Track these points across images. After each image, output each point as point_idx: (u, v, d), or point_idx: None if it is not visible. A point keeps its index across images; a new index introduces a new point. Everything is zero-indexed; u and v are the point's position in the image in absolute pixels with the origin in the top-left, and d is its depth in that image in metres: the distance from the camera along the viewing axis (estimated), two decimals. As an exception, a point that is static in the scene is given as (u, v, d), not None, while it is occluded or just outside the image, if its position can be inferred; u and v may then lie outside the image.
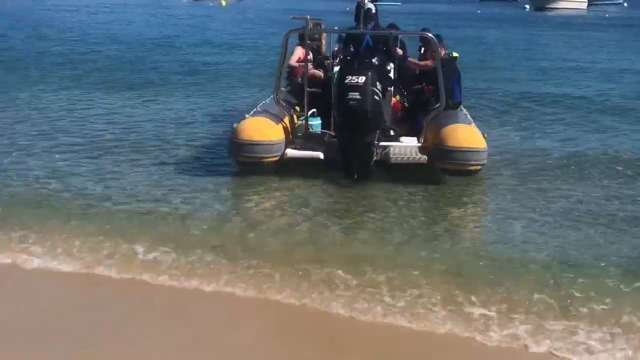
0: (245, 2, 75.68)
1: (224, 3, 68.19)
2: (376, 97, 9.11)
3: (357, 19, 10.36)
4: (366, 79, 9.00)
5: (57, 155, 10.53)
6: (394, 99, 10.85)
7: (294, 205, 8.54)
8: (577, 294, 6.24)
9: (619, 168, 10.44)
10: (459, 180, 9.52)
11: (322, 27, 11.48)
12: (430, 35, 10.27)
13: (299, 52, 10.96)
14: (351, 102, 8.97)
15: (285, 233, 7.65)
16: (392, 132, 10.09)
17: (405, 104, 11.29)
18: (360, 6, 10.29)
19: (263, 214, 8.31)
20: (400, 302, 6.11)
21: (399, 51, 11.52)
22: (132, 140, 11.62)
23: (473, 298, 6.16)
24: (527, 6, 75.25)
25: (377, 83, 9.19)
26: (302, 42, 11.01)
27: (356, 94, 8.96)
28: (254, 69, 21.05)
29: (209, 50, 26.63)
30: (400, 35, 11.17)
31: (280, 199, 8.85)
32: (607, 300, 6.13)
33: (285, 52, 10.08)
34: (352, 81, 9.01)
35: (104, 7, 54.69)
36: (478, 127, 9.90)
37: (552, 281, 6.48)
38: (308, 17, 10.08)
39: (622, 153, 11.31)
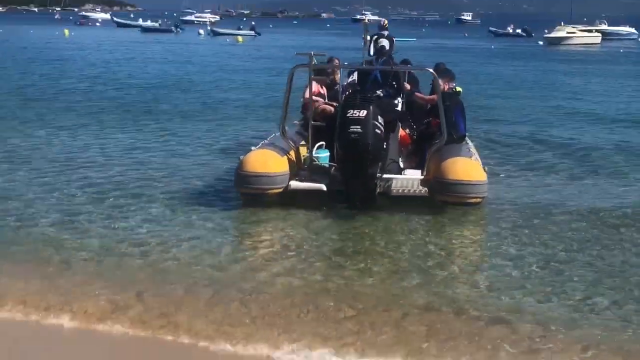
0: (260, 38, 77.29)
1: (240, 39, 69.54)
2: (377, 131, 9.37)
3: (369, 52, 10.77)
4: (367, 112, 9.27)
5: (64, 191, 10.73)
6: (402, 132, 11.10)
7: (292, 248, 8.46)
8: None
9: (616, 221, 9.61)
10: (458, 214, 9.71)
11: (337, 62, 11.85)
12: (430, 70, 10.60)
13: (313, 86, 11.32)
14: (352, 135, 9.24)
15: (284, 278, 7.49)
16: (394, 165, 10.38)
17: (414, 137, 11.57)
18: (375, 40, 10.75)
19: (262, 259, 8.09)
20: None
21: (407, 85, 11.84)
22: (142, 175, 11.92)
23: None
24: (541, 42, 75.72)
25: (379, 117, 9.46)
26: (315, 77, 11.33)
27: (357, 127, 9.22)
28: (268, 104, 21.49)
29: (225, 86, 27.26)
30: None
31: (281, 240, 8.85)
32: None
33: (290, 87, 10.40)
34: (354, 115, 9.29)
35: (122, 44, 55.87)
36: (483, 160, 10.11)
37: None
38: (312, 52, 10.44)
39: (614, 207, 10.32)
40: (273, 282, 7.33)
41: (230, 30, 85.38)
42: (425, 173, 10.16)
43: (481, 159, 10.80)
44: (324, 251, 8.37)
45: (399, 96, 11.14)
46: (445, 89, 10.89)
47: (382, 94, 10.32)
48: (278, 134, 10.90)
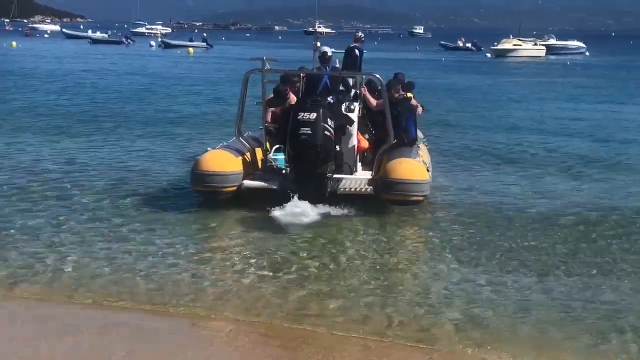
0: (212, 50, 78.02)
1: (191, 51, 69.97)
2: (327, 133, 9.93)
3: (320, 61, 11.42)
4: (317, 115, 9.85)
5: (13, 198, 10.92)
6: (360, 137, 11.58)
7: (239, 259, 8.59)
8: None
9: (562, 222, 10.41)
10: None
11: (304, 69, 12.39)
12: (377, 76, 11.19)
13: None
14: (302, 137, 9.83)
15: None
16: (345, 166, 10.92)
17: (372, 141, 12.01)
18: (322, 51, 11.45)
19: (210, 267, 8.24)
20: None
21: (364, 91, 12.18)
22: (94, 179, 12.30)
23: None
24: (489, 54, 77.48)
25: (329, 120, 10.01)
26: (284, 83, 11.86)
27: (307, 129, 9.81)
28: (220, 113, 22.10)
29: (178, 96, 27.62)
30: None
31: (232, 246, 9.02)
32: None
33: (246, 91, 10.96)
34: (304, 117, 9.87)
35: (71, 56, 55.65)
36: (435, 162, 10.70)
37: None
38: (264, 58, 10.99)
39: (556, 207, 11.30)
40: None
41: (181, 42, 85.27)
42: (373, 174, 10.71)
43: (432, 161, 11.65)
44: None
45: (356, 102, 11.64)
46: (397, 96, 11.51)
47: (332, 100, 10.89)
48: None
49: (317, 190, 10.19)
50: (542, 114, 24.33)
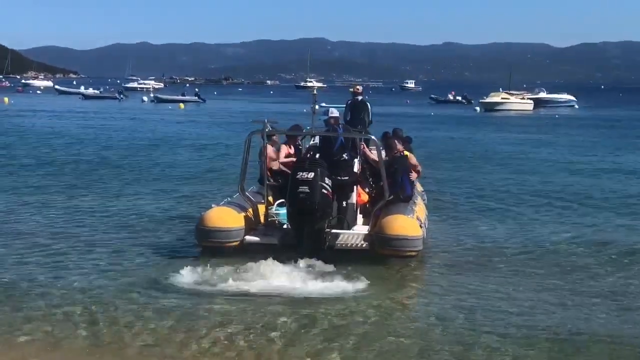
0: (204, 105, 78.87)
1: (182, 106, 71.00)
2: (324, 191, 10.49)
3: (326, 123, 12.24)
4: (315, 174, 10.45)
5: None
6: (361, 191, 12.20)
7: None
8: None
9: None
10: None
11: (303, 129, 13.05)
12: (372, 137, 11.87)
13: (284, 150, 12.58)
14: (301, 195, 10.39)
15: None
16: (343, 222, 11.48)
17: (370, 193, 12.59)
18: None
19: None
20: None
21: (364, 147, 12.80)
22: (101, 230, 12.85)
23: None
24: (477, 108, 78.58)
25: (326, 179, 10.60)
26: (285, 142, 12.71)
27: (306, 187, 10.39)
28: (218, 169, 22.70)
29: (171, 152, 28.10)
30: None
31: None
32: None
33: (248, 150, 11.58)
34: (303, 176, 10.46)
35: (64, 113, 56.13)
36: (432, 216, 11.24)
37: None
38: (265, 120, 11.66)
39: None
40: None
41: (173, 96, 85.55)
42: (369, 229, 11.26)
43: (428, 216, 12.34)
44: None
45: (356, 158, 12.25)
46: (394, 154, 12.15)
47: (346, 157, 11.65)
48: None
49: (315, 245, 10.68)
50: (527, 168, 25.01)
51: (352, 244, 11.01)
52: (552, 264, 11.26)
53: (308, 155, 11.93)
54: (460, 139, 37.37)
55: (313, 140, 12.87)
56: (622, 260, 11.57)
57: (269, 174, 11.93)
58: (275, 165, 12.29)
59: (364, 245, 10.96)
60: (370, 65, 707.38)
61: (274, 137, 12.74)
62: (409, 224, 10.80)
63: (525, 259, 11.57)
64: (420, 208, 12.25)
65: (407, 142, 13.15)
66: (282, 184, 11.55)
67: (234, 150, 27.51)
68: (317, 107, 11.72)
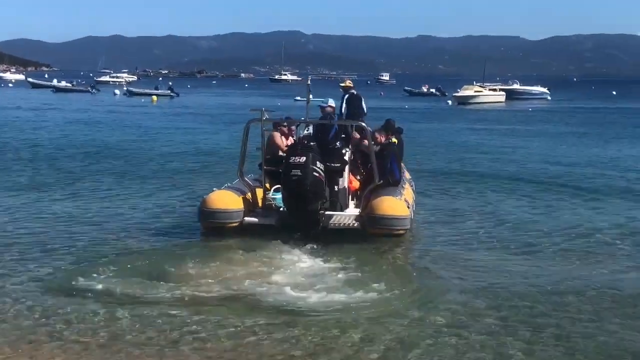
0: (177, 98, 78.17)
1: (155, 99, 70.58)
2: (315, 174, 11.38)
3: (322, 111, 13.24)
4: (307, 159, 11.36)
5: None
6: (352, 177, 13.07)
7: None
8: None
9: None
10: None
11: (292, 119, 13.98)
12: (363, 124, 12.83)
13: (278, 140, 13.38)
14: (294, 178, 11.29)
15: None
16: (337, 204, 12.41)
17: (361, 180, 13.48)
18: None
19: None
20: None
21: (356, 135, 13.73)
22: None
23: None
24: (450, 101, 79.61)
25: (318, 162, 11.48)
26: (275, 129, 13.51)
27: (298, 171, 11.28)
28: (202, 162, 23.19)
29: (148, 147, 27.85)
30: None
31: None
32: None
33: (247, 138, 12.45)
34: (295, 160, 11.36)
35: (37, 106, 56.08)
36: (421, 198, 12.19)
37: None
38: (263, 109, 12.50)
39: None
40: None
41: (146, 90, 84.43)
42: (360, 210, 12.11)
43: (415, 199, 13.43)
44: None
45: (347, 146, 13.07)
46: (383, 141, 13.05)
47: (338, 145, 12.60)
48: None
49: (309, 225, 11.60)
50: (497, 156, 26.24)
51: (345, 224, 11.91)
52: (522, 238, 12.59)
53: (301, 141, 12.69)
54: (433, 131, 38.30)
55: (307, 130, 13.66)
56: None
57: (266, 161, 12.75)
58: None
59: (355, 225, 11.88)
60: (345, 58, 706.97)
61: (283, 126, 13.58)
62: (397, 204, 11.71)
63: (506, 234, 12.93)
64: (408, 192, 13.19)
65: (398, 132, 14.00)
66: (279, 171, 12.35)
67: (208, 143, 28.30)
68: (310, 97, 12.57)
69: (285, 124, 13.64)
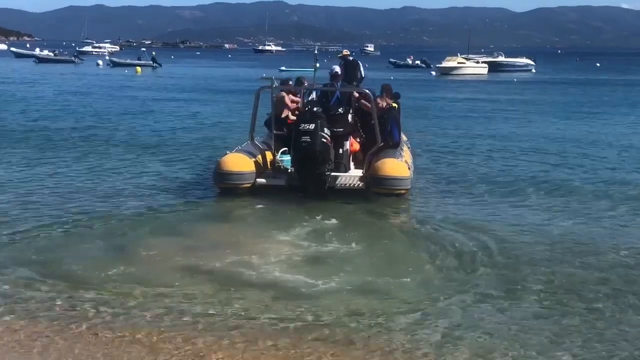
0: (160, 69, 77.24)
1: (139, 70, 69.79)
2: (323, 140, 12.25)
3: (332, 77, 13.79)
4: (315, 125, 12.21)
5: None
6: (353, 141, 13.79)
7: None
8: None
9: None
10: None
11: (306, 83, 14.46)
12: (366, 90, 13.64)
13: (287, 100, 13.93)
14: (303, 144, 12.16)
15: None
16: (342, 166, 13.21)
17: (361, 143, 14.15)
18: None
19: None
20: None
21: (356, 94, 14.14)
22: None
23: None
24: (434, 72, 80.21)
25: (325, 129, 12.33)
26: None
27: (307, 137, 12.16)
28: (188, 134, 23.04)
29: (143, 117, 27.79)
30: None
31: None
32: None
33: (257, 104, 13.26)
34: (305, 127, 12.21)
35: (21, 75, 56.04)
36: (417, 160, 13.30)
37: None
38: (273, 77, 13.27)
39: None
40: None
41: (129, 60, 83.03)
42: (364, 171, 12.91)
43: (413, 161, 14.24)
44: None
45: (350, 111, 13.76)
46: (384, 105, 13.81)
47: (342, 110, 13.24)
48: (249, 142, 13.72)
49: (317, 186, 12.51)
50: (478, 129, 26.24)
51: (350, 184, 12.78)
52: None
53: (310, 109, 13.36)
54: (418, 99, 38.69)
55: (311, 96, 14.36)
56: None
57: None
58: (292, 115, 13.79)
59: (360, 185, 12.74)
60: (330, 29, 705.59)
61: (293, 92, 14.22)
62: (399, 166, 12.59)
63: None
64: (407, 154, 14.09)
65: (395, 96, 14.72)
66: (288, 134, 13.15)
67: (194, 116, 27.79)
68: (315, 65, 13.28)
69: (293, 90, 14.31)
